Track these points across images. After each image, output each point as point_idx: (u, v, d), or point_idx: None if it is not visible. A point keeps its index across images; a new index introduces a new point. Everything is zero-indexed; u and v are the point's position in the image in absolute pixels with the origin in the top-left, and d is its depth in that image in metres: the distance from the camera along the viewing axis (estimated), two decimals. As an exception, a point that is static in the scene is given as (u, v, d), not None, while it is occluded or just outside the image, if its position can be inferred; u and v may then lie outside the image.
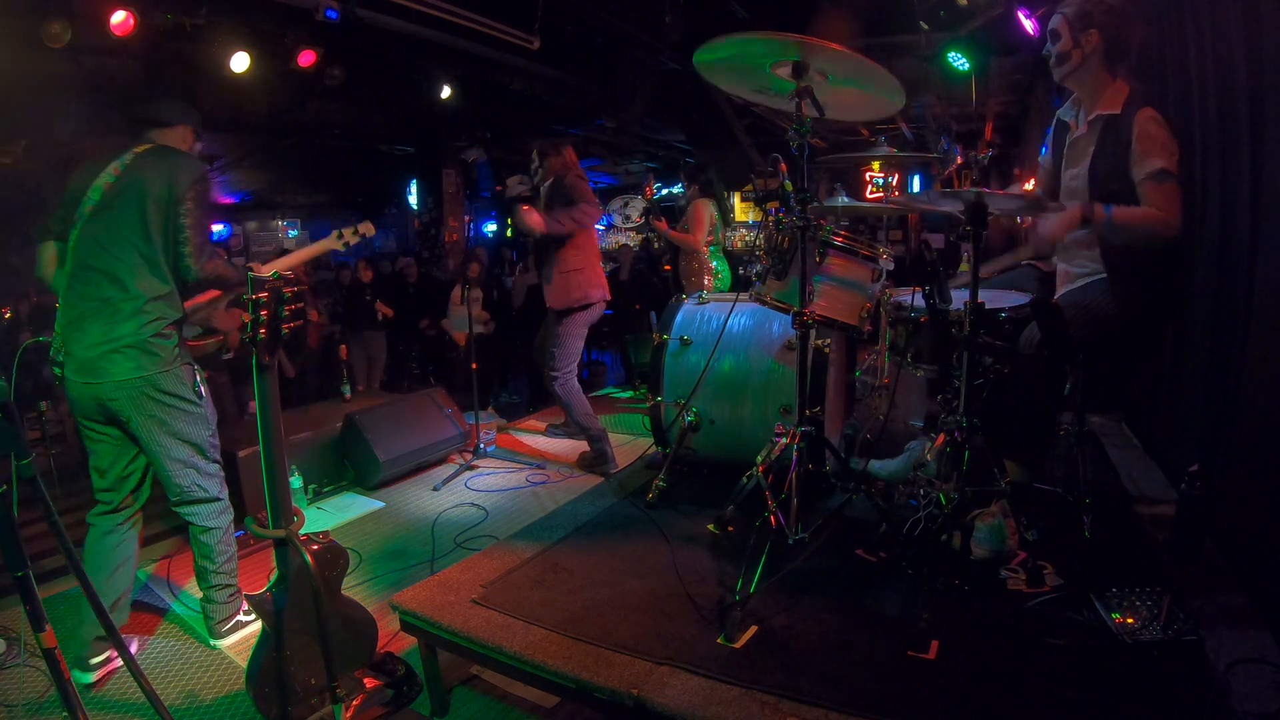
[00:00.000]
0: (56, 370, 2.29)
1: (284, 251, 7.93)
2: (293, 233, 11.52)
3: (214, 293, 2.59)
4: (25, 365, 2.25)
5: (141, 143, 2.40)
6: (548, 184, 3.91)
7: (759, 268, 2.55)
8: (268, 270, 2.55)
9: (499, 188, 3.96)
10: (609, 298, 3.96)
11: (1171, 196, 2.19)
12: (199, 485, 2.41)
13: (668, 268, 5.79)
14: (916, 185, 9.80)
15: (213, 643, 2.50)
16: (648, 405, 3.21)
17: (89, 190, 2.28)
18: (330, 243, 2.77)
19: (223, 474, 2.51)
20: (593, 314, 3.90)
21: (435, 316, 7.94)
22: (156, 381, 2.28)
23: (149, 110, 2.49)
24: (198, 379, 2.41)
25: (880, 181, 10.06)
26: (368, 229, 2.74)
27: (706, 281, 5.18)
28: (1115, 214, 2.21)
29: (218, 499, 2.47)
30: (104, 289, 2.24)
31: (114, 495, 2.40)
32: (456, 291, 7.23)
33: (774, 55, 2.18)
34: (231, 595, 2.52)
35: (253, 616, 2.52)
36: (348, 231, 2.72)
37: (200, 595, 2.54)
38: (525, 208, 3.65)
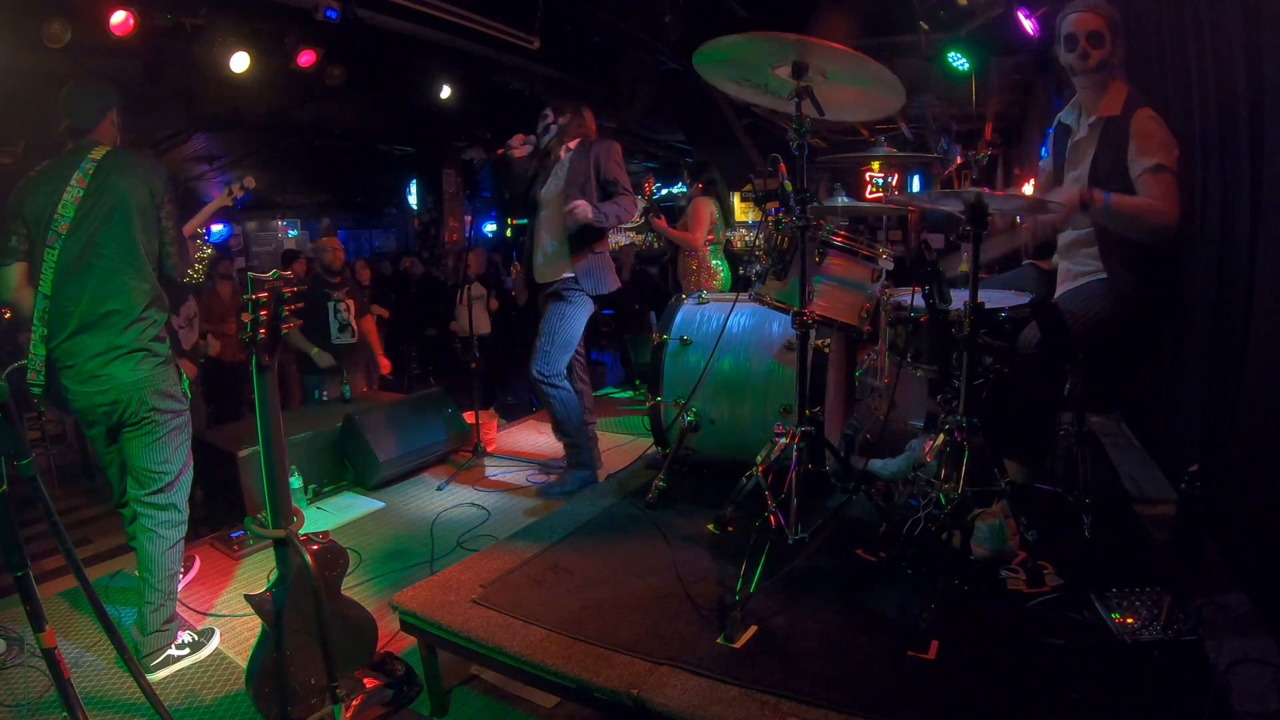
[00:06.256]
0: (36, 390, 2.26)
1: (285, 252, 7.94)
2: (292, 232, 11.52)
3: None
4: (24, 370, 2.25)
5: (89, 147, 2.31)
6: (567, 151, 3.51)
7: (759, 268, 2.55)
8: (187, 230, 2.63)
9: (500, 151, 3.49)
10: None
11: (1169, 189, 2.19)
12: (166, 491, 2.38)
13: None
14: (916, 185, 9.80)
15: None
16: (647, 405, 3.20)
17: (59, 208, 2.22)
18: (222, 199, 2.91)
19: (188, 490, 2.46)
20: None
21: (436, 317, 7.89)
22: (155, 382, 2.33)
23: (72, 119, 2.35)
24: (184, 379, 2.47)
25: (880, 181, 10.06)
26: (250, 181, 2.99)
27: (706, 281, 5.15)
28: (1113, 200, 2.20)
29: (179, 509, 2.42)
30: (99, 304, 2.24)
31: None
32: (464, 292, 7.13)
33: (774, 56, 2.18)
34: (166, 622, 2.36)
35: (186, 651, 2.37)
36: (235, 186, 2.91)
37: (136, 614, 2.37)
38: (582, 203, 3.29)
